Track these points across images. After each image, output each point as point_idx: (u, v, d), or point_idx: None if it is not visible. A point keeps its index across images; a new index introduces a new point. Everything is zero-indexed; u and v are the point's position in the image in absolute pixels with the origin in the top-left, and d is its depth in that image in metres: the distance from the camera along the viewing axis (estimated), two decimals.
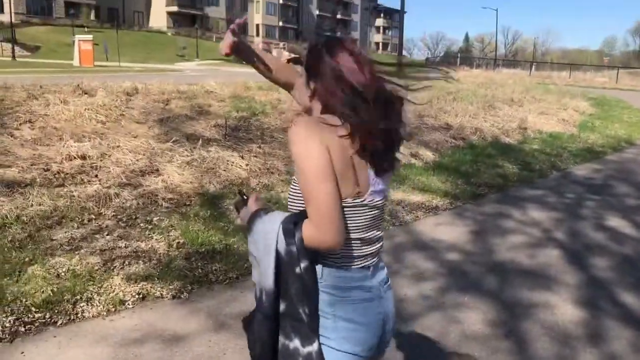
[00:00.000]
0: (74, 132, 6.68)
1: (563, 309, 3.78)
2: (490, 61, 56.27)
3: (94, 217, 4.72)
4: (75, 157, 5.94)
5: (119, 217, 4.78)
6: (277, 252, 1.39)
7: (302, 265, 1.37)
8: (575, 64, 58.10)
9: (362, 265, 1.48)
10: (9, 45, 40.86)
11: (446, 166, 8.11)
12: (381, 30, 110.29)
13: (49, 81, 9.85)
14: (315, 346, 1.41)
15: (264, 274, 1.42)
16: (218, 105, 9.27)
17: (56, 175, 5.53)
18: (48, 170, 5.60)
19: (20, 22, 51.90)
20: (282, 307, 1.43)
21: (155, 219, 4.77)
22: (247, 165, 6.44)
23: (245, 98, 10.17)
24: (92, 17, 60.22)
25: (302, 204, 1.39)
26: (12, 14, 48.01)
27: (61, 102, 7.54)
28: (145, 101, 8.61)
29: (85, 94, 8.24)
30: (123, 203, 5.02)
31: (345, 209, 1.39)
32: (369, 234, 1.48)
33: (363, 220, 1.46)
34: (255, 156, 6.82)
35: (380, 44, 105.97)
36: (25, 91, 8.30)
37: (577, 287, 4.19)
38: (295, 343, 1.42)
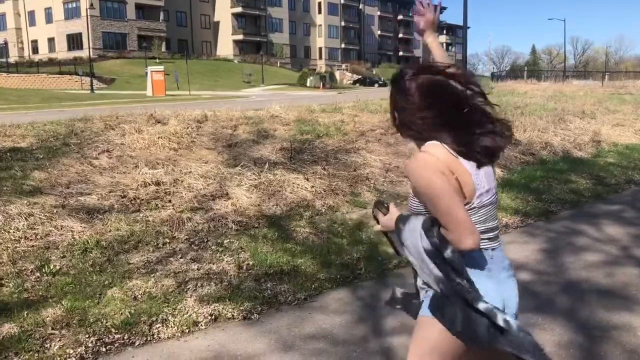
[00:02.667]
0: (148, 159, 6.79)
1: None
2: (559, 73, 54.33)
3: (168, 240, 4.80)
4: (149, 184, 6.04)
5: (191, 240, 4.84)
6: (423, 248, 1.62)
7: (448, 250, 1.59)
8: None
9: (484, 247, 1.74)
10: (88, 79, 43.12)
11: (516, 183, 7.88)
12: (444, 47, 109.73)
13: (125, 111, 10.07)
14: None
15: (424, 268, 1.66)
16: (283, 129, 9.29)
17: (132, 202, 5.64)
18: (125, 196, 5.72)
19: (97, 56, 54.96)
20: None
21: (225, 241, 4.82)
22: (312, 187, 6.38)
23: (309, 121, 10.16)
24: (163, 48, 62.56)
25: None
26: (91, 50, 51.06)
27: (136, 131, 7.70)
28: (214, 128, 8.73)
29: (158, 122, 8.42)
30: (195, 227, 5.08)
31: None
32: (490, 225, 1.75)
33: (477, 218, 1.70)
34: (320, 178, 6.75)
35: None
36: (103, 122, 8.57)
37: None
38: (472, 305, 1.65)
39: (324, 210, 5.90)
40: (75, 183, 5.99)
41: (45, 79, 46.14)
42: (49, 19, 62.31)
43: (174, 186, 6.06)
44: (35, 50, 64.97)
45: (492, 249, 1.76)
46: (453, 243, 1.59)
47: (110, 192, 5.80)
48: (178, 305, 3.75)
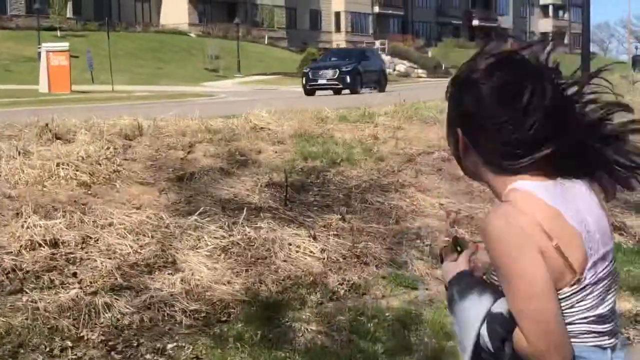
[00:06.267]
0: (39, 202, 5.71)
1: None
2: None
3: (70, 344, 4.09)
4: (41, 244, 5.05)
5: (110, 343, 4.14)
6: (478, 347, 1.46)
7: None
8: None
9: (594, 344, 1.45)
10: None
11: None
12: (550, 12, 75.35)
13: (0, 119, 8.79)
14: None
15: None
16: (273, 151, 7.87)
17: (10, 275, 4.73)
18: None
19: None
20: None
21: (170, 346, 4.19)
22: (322, 250, 5.44)
23: (318, 137, 8.41)
24: (69, 13, 44.89)
25: None
26: None
27: (19, 153, 6.48)
28: (154, 148, 7.44)
29: (58, 139, 7.16)
30: (118, 320, 4.30)
31: (562, 302, 1.37)
32: (597, 312, 1.45)
33: (589, 302, 1.41)
34: (337, 235, 5.80)
35: (550, 35, 68.24)
36: None
37: None
38: None
39: (342, 291, 5.03)
40: None
41: None
42: None
43: (82, 249, 5.10)
44: None
45: (610, 348, 1.43)
46: (528, 356, 1.35)
47: None
48: None
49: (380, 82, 26.13)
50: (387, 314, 4.72)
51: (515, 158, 1.37)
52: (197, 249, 5.25)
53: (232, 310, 4.57)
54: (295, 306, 4.71)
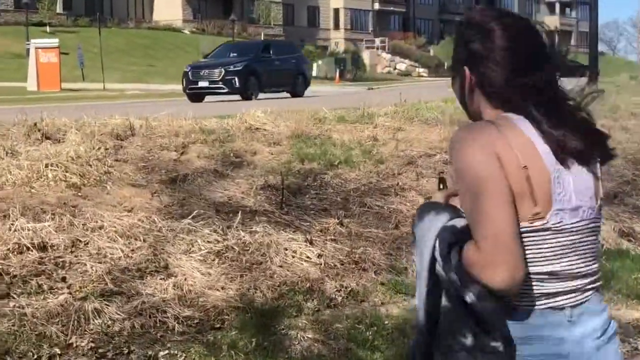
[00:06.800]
0: (27, 204, 5.60)
1: None
2: None
3: (58, 351, 4.09)
4: (29, 248, 4.97)
5: (100, 350, 4.15)
6: (431, 271, 1.47)
7: (472, 292, 1.38)
8: None
9: (549, 306, 1.45)
10: None
11: None
12: (557, 10, 73.53)
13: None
14: None
15: (418, 294, 1.51)
16: (269, 152, 7.75)
17: None
18: None
19: None
20: (461, 340, 1.43)
21: (162, 353, 4.21)
22: (319, 256, 5.38)
23: (315, 138, 8.26)
24: (59, 8, 44.20)
25: None
26: None
27: (7, 153, 6.34)
28: (146, 149, 7.35)
29: (47, 139, 7.09)
30: (108, 326, 4.30)
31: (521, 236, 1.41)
32: (559, 266, 1.46)
33: (548, 250, 1.44)
34: (334, 239, 5.75)
35: (556, 33, 58.46)
36: None
37: None
38: None
39: (340, 298, 5.00)
40: None
41: None
42: None
43: (72, 252, 5.02)
44: None
45: (570, 306, 1.46)
46: (474, 268, 1.35)
47: None
48: None
49: (295, 84, 20.17)
50: (386, 322, 4.65)
51: (515, 94, 1.46)
52: (190, 253, 5.18)
53: (226, 317, 4.52)
54: (291, 313, 4.66)
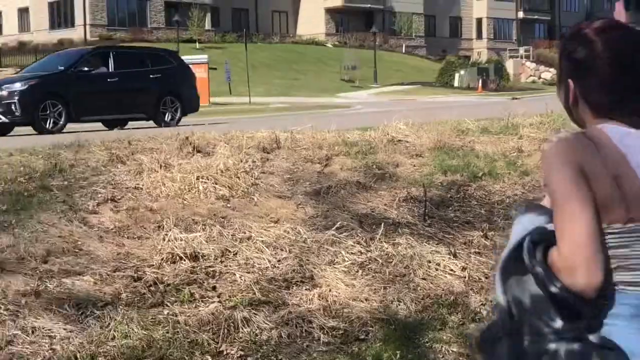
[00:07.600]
0: (180, 215, 5.78)
1: None
2: None
3: (210, 358, 4.25)
4: (181, 258, 5.15)
5: (249, 358, 4.30)
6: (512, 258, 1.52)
7: (556, 285, 1.42)
8: None
9: None
10: None
11: None
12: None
13: (142, 133, 8.66)
14: None
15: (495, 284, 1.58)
16: (411, 164, 7.68)
17: (152, 288, 4.84)
18: (139, 279, 4.90)
19: (97, 38, 39.45)
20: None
21: None
22: (463, 269, 5.35)
23: (458, 149, 8.18)
24: (207, 25, 44.11)
25: None
26: (87, 29, 36.92)
27: (160, 166, 6.57)
28: (291, 161, 7.45)
29: (198, 152, 7.25)
30: (256, 335, 4.42)
31: (614, 238, 1.43)
32: None
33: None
34: (478, 252, 5.69)
35: None
36: (106, 150, 7.36)
37: None
38: None
39: (485, 312, 4.92)
40: (59, 254, 5.08)
41: None
42: None
43: (221, 262, 5.21)
44: None
45: None
46: (556, 271, 1.42)
47: (115, 272, 4.97)
48: None
49: (156, 110, 14.10)
50: None
51: (616, 105, 1.50)
52: (334, 264, 5.25)
53: (370, 328, 4.51)
54: (435, 326, 4.58)
